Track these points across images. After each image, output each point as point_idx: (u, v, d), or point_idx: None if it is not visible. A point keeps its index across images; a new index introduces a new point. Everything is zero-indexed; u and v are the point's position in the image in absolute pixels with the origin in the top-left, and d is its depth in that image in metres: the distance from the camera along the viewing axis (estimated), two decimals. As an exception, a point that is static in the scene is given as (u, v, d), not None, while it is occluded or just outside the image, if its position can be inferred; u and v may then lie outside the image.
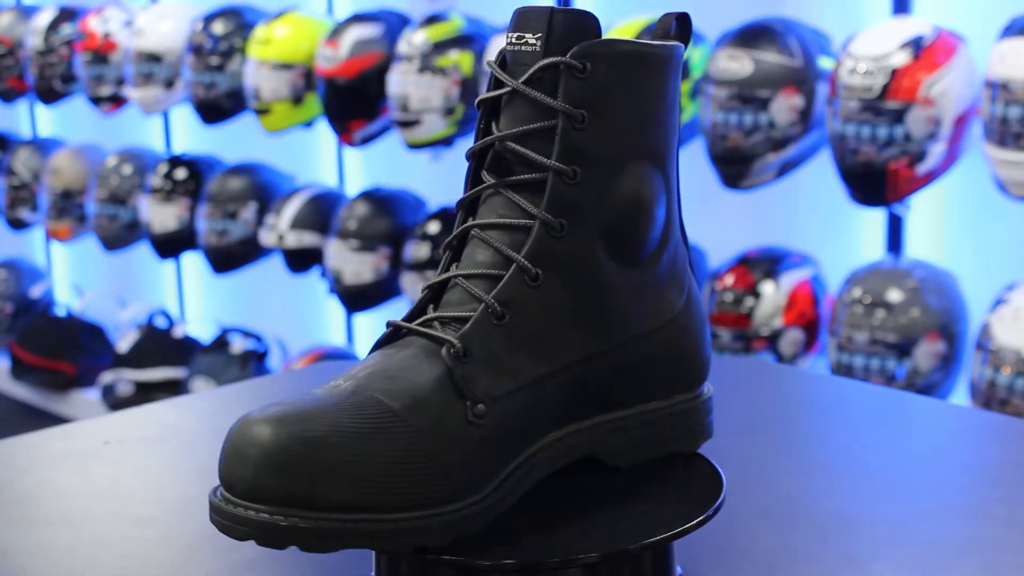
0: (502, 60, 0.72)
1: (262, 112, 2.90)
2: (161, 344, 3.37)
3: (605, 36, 0.70)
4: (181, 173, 3.24)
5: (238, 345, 3.20)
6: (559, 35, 0.69)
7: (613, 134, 0.71)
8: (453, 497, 0.65)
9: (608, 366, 0.73)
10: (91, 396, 3.58)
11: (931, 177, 2.06)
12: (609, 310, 0.72)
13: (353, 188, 3.13)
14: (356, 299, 2.87)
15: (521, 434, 0.69)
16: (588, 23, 0.70)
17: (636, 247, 0.73)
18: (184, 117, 3.50)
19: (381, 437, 0.63)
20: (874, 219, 2.33)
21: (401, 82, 2.60)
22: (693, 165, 2.38)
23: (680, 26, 0.74)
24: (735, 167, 2.22)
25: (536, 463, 0.70)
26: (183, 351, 3.34)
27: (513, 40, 0.71)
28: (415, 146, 2.67)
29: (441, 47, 2.60)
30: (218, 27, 3.01)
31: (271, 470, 0.62)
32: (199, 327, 3.59)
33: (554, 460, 0.71)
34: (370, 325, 3.29)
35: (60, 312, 3.80)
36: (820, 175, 2.27)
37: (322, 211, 2.95)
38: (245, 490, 0.62)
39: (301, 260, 2.98)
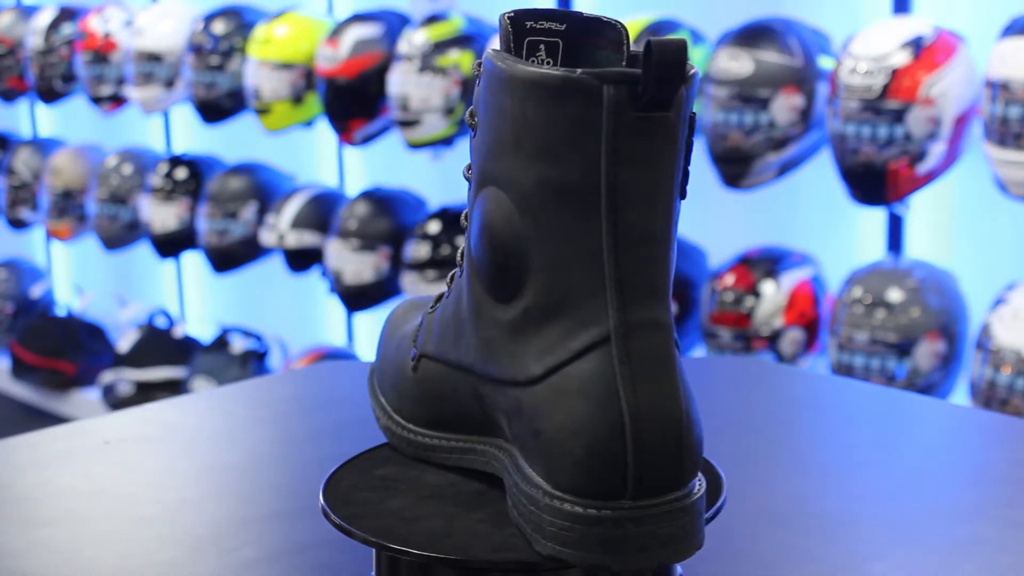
0: None
1: (262, 112, 2.90)
2: (161, 344, 3.37)
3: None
4: (181, 173, 3.24)
5: (238, 345, 3.20)
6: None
7: (479, 150, 0.67)
8: (398, 412, 0.78)
9: (484, 391, 0.69)
10: (91, 396, 3.57)
11: (931, 177, 2.06)
12: (475, 333, 0.69)
13: (353, 188, 3.13)
14: (356, 299, 2.87)
15: (446, 402, 0.73)
16: (503, 27, 0.66)
17: (488, 277, 0.67)
18: (184, 117, 3.50)
19: (391, 341, 0.80)
20: (874, 219, 2.33)
21: (401, 82, 2.60)
22: (694, 165, 2.37)
23: (647, 57, 0.60)
24: (735, 167, 2.22)
25: (469, 452, 0.73)
26: (183, 351, 3.34)
27: None
28: (415, 146, 2.67)
29: (441, 47, 2.60)
30: (218, 27, 3.01)
31: None
32: (199, 327, 3.59)
33: (488, 464, 0.72)
34: (370, 325, 3.29)
35: (60, 312, 3.80)
36: (820, 175, 2.27)
37: (322, 211, 2.95)
38: None
39: (301, 260, 2.98)
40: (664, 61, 0.59)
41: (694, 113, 0.64)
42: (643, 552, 0.62)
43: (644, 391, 0.62)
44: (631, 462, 0.61)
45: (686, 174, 0.65)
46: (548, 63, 0.67)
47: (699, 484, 0.64)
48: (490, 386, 0.68)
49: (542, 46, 0.67)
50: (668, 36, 0.60)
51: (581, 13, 0.67)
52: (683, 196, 0.65)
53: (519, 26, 0.66)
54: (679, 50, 0.59)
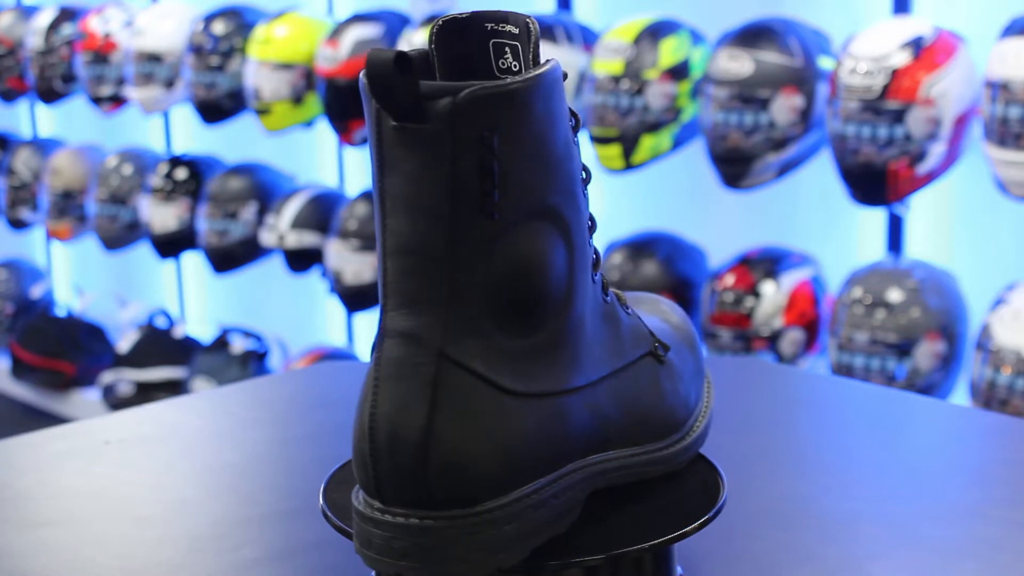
0: None
1: (262, 112, 2.90)
2: (161, 344, 3.37)
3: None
4: (181, 173, 3.24)
5: (238, 345, 3.20)
6: None
7: None
8: None
9: None
10: (91, 396, 3.58)
11: (931, 177, 2.06)
12: None
13: (353, 188, 3.13)
14: (356, 299, 2.87)
15: None
16: (429, 32, 0.65)
17: None
18: (184, 117, 3.50)
19: None
20: (874, 219, 2.33)
21: (401, 82, 2.60)
22: (693, 165, 2.38)
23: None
24: (735, 167, 2.22)
25: None
26: (183, 351, 3.34)
27: None
28: (415, 146, 2.66)
29: (441, 47, 2.60)
30: (218, 27, 3.01)
31: None
32: (199, 327, 3.59)
33: None
34: (370, 325, 3.29)
35: (60, 312, 3.80)
36: (820, 175, 2.27)
37: (322, 211, 2.95)
38: None
39: (301, 260, 2.99)
40: (371, 73, 0.59)
41: (491, 133, 0.60)
42: (384, 555, 0.62)
43: (383, 399, 0.61)
44: (370, 466, 0.62)
45: (486, 193, 0.61)
46: (514, 66, 0.65)
47: (476, 514, 0.62)
48: None
49: (507, 48, 0.65)
50: (388, 49, 0.59)
51: (525, 16, 0.65)
52: (488, 215, 0.61)
53: (479, 28, 0.65)
54: (381, 63, 0.59)
